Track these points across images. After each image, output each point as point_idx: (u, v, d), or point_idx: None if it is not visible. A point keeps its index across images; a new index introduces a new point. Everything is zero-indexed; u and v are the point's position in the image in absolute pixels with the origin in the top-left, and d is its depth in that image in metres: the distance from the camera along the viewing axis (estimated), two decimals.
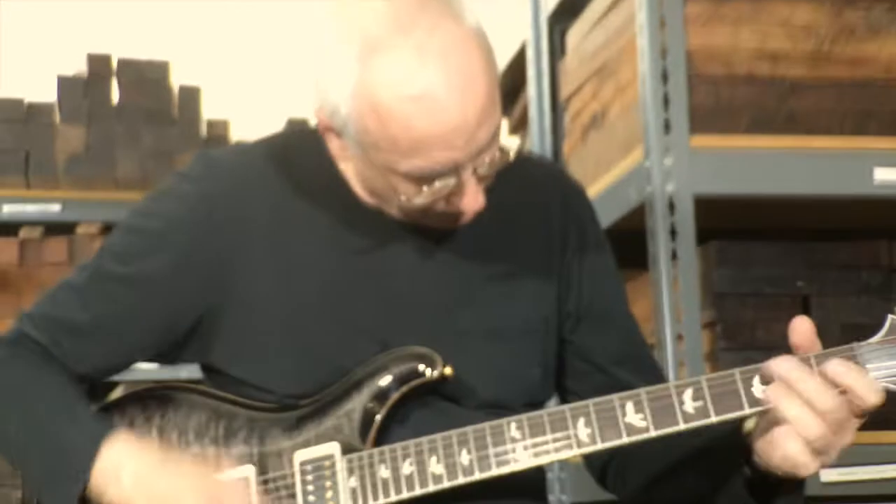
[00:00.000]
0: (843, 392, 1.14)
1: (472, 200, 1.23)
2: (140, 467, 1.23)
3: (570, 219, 1.39)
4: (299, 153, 1.34)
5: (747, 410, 1.17)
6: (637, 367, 1.39)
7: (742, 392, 1.17)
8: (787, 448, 1.14)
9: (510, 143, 1.26)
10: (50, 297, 1.35)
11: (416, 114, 1.17)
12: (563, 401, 1.40)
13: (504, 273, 1.35)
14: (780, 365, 1.16)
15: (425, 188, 1.21)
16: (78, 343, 1.33)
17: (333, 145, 1.27)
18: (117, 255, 1.34)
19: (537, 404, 1.36)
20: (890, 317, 1.19)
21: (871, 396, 1.14)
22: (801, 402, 1.13)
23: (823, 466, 1.18)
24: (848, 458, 2.00)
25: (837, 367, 1.14)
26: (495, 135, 1.22)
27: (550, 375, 1.39)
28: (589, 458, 1.41)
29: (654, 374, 1.40)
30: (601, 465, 1.42)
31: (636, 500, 1.39)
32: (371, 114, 1.18)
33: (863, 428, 2.07)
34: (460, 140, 1.18)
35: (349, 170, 1.32)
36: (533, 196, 1.39)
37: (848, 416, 1.14)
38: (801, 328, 1.19)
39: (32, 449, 1.29)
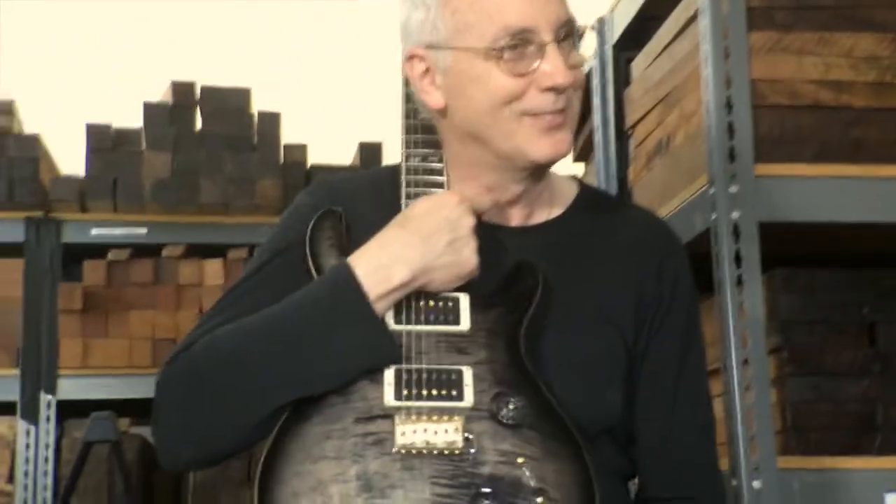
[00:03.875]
0: None
1: (559, 68, 1.33)
2: (386, 250, 1.30)
3: (667, 276, 1.44)
4: (393, 183, 1.44)
5: None
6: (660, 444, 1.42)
7: None
8: None
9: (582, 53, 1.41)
10: (199, 323, 1.40)
11: None
12: None
13: (591, 304, 1.40)
14: None
15: (511, 60, 1.32)
16: None
17: (431, 93, 1.38)
18: (250, 266, 1.44)
19: (616, 433, 1.40)
20: None
21: None
22: None
23: None
24: None
25: None
26: (570, 19, 1.36)
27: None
28: None
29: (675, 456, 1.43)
30: None
31: None
32: None
33: None
34: None
35: (449, 132, 1.40)
36: (635, 240, 1.45)
37: None
38: None
39: (290, 340, 1.28)
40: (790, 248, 2.23)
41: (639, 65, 2.63)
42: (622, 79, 2.80)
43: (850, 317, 2.15)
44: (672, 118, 2.39)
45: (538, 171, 1.41)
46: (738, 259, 2.05)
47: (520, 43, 1.33)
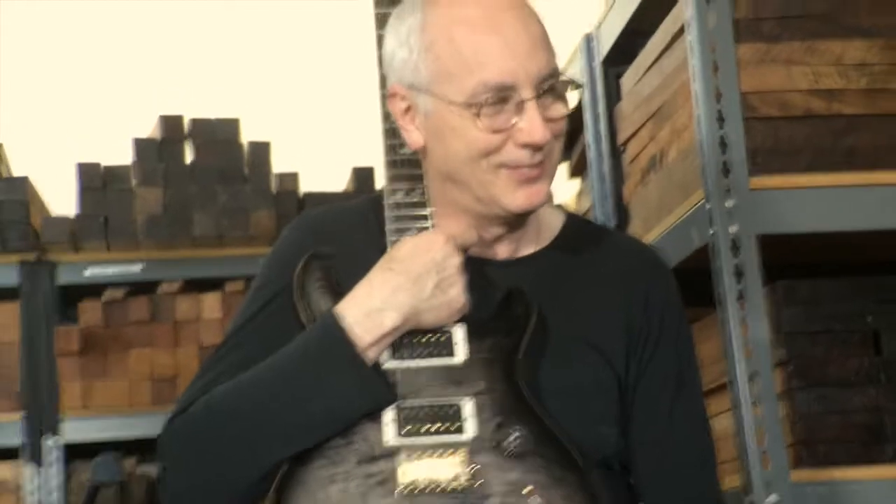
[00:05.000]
0: None
1: (536, 126, 1.31)
2: (374, 296, 1.29)
3: (655, 304, 1.43)
4: (378, 213, 1.42)
5: None
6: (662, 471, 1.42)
7: None
8: None
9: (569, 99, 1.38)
10: (195, 378, 1.40)
11: (479, 23, 1.33)
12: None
13: (580, 334, 1.39)
14: None
15: (489, 115, 1.31)
16: None
17: (411, 132, 1.37)
18: (243, 314, 1.42)
19: (611, 465, 1.40)
20: None
21: None
22: None
23: None
24: None
25: None
26: (553, 72, 1.34)
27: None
28: None
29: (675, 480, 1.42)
30: None
31: None
32: (439, 38, 1.34)
33: None
34: (520, 49, 1.32)
35: (429, 170, 1.38)
36: (622, 270, 1.44)
37: None
38: None
39: (285, 394, 1.27)
40: (790, 260, 2.22)
41: (628, 80, 2.62)
42: (612, 95, 2.79)
43: (853, 326, 2.14)
44: (664, 133, 2.39)
45: (516, 219, 1.40)
46: (738, 273, 2.05)
47: (498, 100, 1.32)
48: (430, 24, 1.34)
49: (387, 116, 1.40)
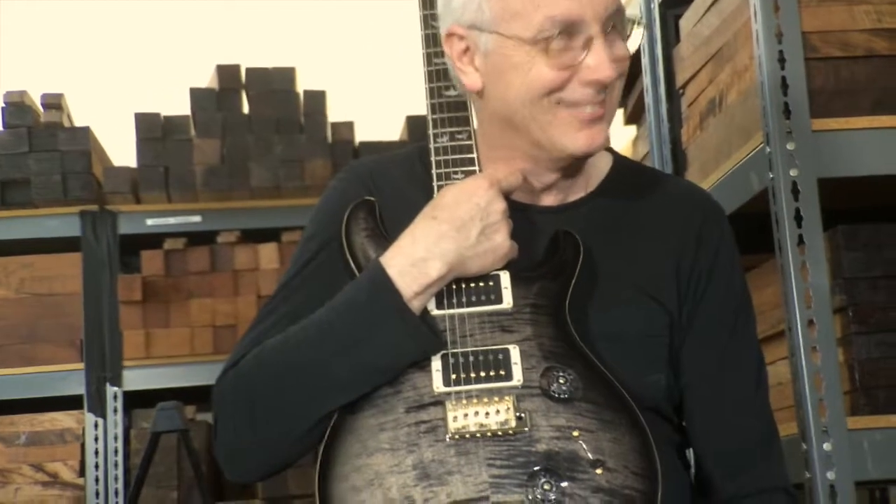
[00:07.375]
0: None
1: (604, 63, 1.29)
2: (419, 245, 1.28)
3: (707, 245, 1.41)
4: (424, 160, 1.41)
5: None
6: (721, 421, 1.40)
7: None
8: None
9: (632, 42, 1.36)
10: (247, 331, 1.41)
11: None
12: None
13: (630, 278, 1.37)
14: None
15: (556, 51, 1.29)
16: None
17: (469, 73, 1.35)
18: (294, 265, 1.43)
19: (662, 410, 1.38)
20: None
21: None
22: None
23: None
24: None
25: None
26: (619, 9, 1.32)
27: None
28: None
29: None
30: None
31: None
32: None
33: None
34: None
35: (484, 114, 1.38)
36: (672, 211, 1.42)
37: None
38: None
39: (333, 346, 1.28)
40: (851, 204, 2.17)
41: (687, 22, 2.57)
42: (671, 37, 2.74)
43: None
44: (724, 76, 2.34)
45: (573, 163, 1.38)
46: (798, 218, 2.01)
47: (566, 36, 1.29)
48: None
49: (429, 58, 1.39)
